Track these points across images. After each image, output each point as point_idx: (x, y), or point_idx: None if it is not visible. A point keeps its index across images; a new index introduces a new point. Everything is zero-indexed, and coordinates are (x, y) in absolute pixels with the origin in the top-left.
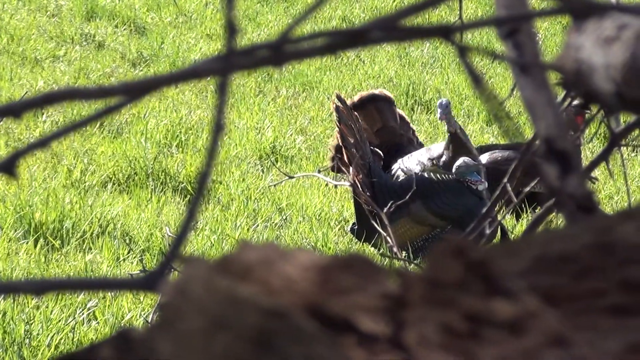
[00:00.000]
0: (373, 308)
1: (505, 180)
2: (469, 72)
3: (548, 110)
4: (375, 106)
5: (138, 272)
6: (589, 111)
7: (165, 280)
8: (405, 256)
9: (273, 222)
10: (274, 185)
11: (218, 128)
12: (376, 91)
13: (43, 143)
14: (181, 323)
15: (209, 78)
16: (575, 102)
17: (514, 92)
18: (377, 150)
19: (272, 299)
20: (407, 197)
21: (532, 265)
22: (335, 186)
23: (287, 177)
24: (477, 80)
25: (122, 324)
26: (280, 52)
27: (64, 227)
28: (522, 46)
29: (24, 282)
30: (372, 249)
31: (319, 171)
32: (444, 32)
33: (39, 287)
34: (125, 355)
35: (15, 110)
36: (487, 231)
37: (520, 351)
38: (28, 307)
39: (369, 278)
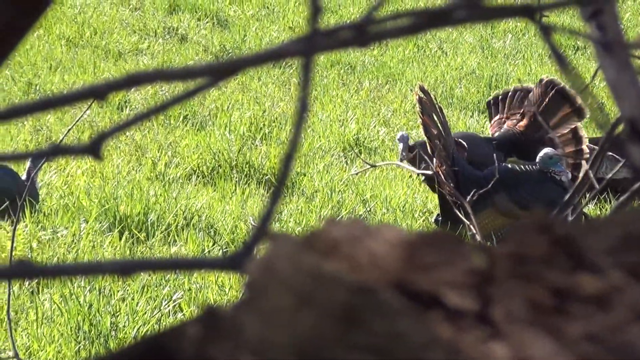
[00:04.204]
0: (460, 283)
1: (588, 167)
2: (553, 53)
3: (631, 91)
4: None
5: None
6: None
7: (251, 259)
8: None
9: (357, 214)
10: (356, 174)
11: (303, 108)
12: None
13: (128, 124)
14: (267, 300)
15: (293, 59)
16: None
17: (597, 77)
18: (461, 141)
19: (358, 275)
20: (491, 187)
21: (617, 243)
22: (418, 175)
23: (369, 166)
24: (561, 60)
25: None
26: (364, 32)
27: (149, 219)
28: (606, 27)
29: (109, 262)
30: None
31: (401, 160)
32: (529, 12)
33: (124, 267)
34: (213, 333)
35: (99, 92)
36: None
37: (607, 326)
38: (114, 299)
39: (455, 254)
